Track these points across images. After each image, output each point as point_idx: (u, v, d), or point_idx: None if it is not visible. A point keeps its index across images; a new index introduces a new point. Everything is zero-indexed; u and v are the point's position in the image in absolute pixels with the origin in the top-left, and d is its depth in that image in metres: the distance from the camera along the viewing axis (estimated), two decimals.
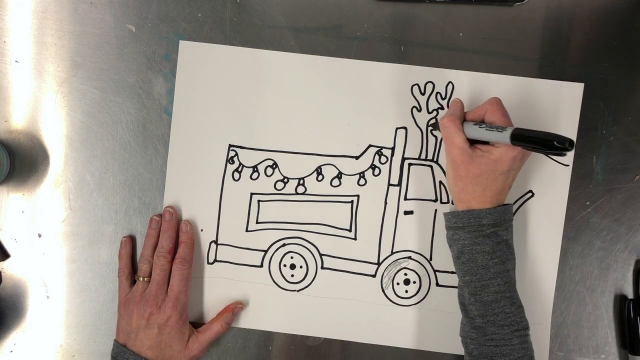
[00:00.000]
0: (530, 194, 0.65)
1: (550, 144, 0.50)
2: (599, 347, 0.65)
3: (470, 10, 0.65)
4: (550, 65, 0.65)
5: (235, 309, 0.65)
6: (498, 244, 0.57)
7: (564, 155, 0.51)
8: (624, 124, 0.65)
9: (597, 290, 0.66)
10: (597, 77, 0.65)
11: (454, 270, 0.61)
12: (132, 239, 0.66)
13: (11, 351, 0.66)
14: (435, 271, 0.65)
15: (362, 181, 0.66)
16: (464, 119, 0.59)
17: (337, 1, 0.65)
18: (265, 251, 0.66)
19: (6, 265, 0.66)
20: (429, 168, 0.65)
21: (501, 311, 0.56)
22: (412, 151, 0.65)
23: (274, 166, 0.66)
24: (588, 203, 0.65)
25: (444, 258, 0.65)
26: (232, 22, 0.65)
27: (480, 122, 0.58)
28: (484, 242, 0.57)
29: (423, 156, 0.65)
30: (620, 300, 0.65)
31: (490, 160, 0.56)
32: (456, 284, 0.64)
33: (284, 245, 0.66)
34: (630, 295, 0.65)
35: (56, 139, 0.66)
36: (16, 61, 0.65)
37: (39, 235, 0.66)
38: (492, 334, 0.56)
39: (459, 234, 0.58)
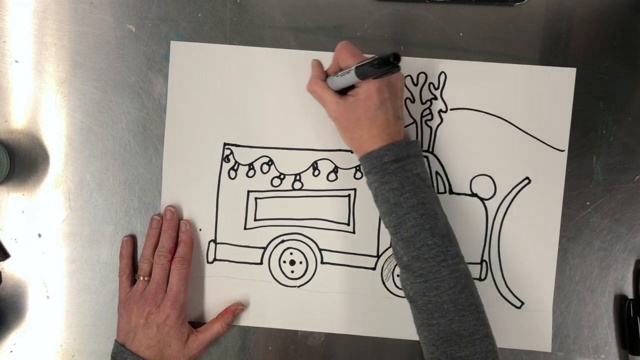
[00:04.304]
0: (527, 181, 0.65)
1: (383, 62, 0.52)
2: (599, 347, 0.65)
3: (470, 10, 0.65)
4: (550, 65, 0.65)
5: (236, 310, 0.65)
6: (407, 179, 0.56)
7: (398, 67, 0.52)
8: (624, 124, 0.65)
9: (597, 290, 0.66)
10: (597, 77, 0.65)
11: None
12: (133, 239, 0.66)
13: (11, 351, 0.66)
14: None
15: (358, 174, 0.66)
16: (326, 75, 0.61)
17: (337, 1, 0.65)
18: (265, 248, 0.66)
19: (6, 265, 0.66)
20: (425, 159, 0.65)
21: (423, 244, 0.55)
22: None
23: (270, 163, 0.66)
24: (588, 203, 0.65)
25: None
26: (232, 22, 0.65)
27: (338, 71, 0.59)
28: (390, 179, 0.56)
29: None
30: (620, 300, 0.65)
31: (360, 100, 0.57)
32: None
33: (283, 241, 0.66)
34: (630, 295, 0.65)
35: (56, 139, 0.66)
36: (16, 61, 0.66)
37: (39, 235, 0.66)
38: (419, 269, 0.55)
39: (370, 178, 0.58)
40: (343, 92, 0.59)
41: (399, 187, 0.56)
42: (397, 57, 0.51)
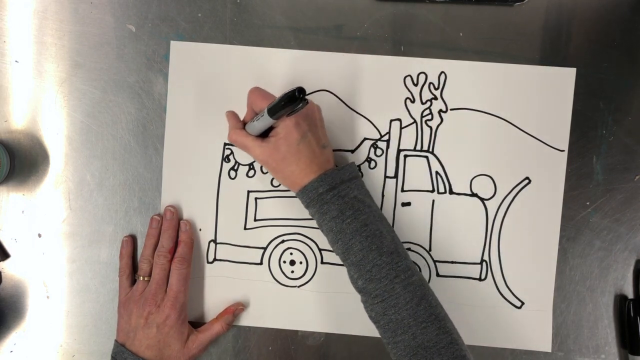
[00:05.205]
0: (527, 181, 0.65)
1: (290, 99, 0.53)
2: (599, 347, 0.65)
3: (470, 10, 0.65)
4: (550, 65, 0.65)
5: (236, 310, 0.65)
6: (345, 204, 0.57)
7: (305, 102, 0.53)
8: (624, 124, 0.65)
9: (597, 290, 0.66)
10: (597, 77, 0.65)
11: (453, 260, 0.63)
12: (133, 239, 0.66)
13: (11, 351, 0.66)
14: (435, 261, 0.65)
15: None
16: (244, 123, 0.61)
17: (337, 1, 0.65)
18: (265, 248, 0.66)
19: (6, 265, 0.66)
20: (425, 159, 0.65)
21: (373, 265, 0.56)
22: (408, 142, 0.66)
23: None
24: (588, 203, 0.65)
25: (443, 248, 0.65)
26: (232, 22, 0.65)
27: (254, 116, 0.59)
28: (329, 209, 0.57)
29: (418, 147, 0.65)
30: (620, 300, 0.65)
31: (281, 139, 0.57)
32: (457, 275, 0.65)
33: (283, 241, 0.66)
34: (630, 295, 0.65)
35: (56, 139, 0.66)
36: (16, 61, 0.66)
37: (39, 235, 0.66)
38: (374, 290, 0.56)
39: (310, 211, 0.59)
40: (265, 135, 0.60)
41: (339, 215, 0.56)
42: (301, 91, 0.52)
